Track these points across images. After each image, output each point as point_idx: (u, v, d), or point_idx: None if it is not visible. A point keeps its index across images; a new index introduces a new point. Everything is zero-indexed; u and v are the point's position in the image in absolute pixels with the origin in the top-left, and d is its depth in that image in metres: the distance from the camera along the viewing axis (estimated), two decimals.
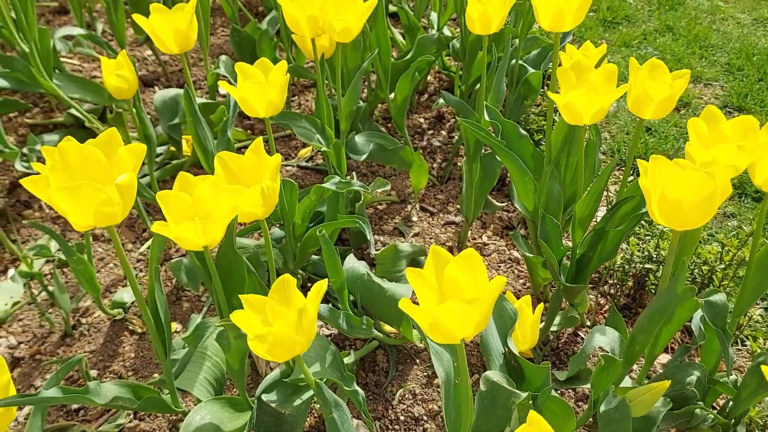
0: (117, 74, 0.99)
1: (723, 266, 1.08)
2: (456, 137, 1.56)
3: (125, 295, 1.14)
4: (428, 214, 1.35)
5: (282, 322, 0.61)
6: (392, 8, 1.76)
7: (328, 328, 1.12)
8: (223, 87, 0.88)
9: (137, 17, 0.98)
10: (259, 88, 0.87)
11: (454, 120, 1.63)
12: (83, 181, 0.60)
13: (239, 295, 0.65)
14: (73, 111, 1.46)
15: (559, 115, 0.99)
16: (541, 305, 0.97)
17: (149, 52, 1.85)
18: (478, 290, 0.56)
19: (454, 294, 0.57)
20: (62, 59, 1.75)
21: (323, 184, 0.99)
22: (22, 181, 0.63)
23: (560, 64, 0.96)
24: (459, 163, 1.48)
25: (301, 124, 1.19)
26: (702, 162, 0.72)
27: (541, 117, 1.45)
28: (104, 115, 1.54)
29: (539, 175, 1.06)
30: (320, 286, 0.64)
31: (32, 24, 1.29)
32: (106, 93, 1.49)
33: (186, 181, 0.71)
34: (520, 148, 1.06)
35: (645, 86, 0.86)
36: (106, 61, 1.00)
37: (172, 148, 1.44)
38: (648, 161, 0.66)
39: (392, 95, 1.36)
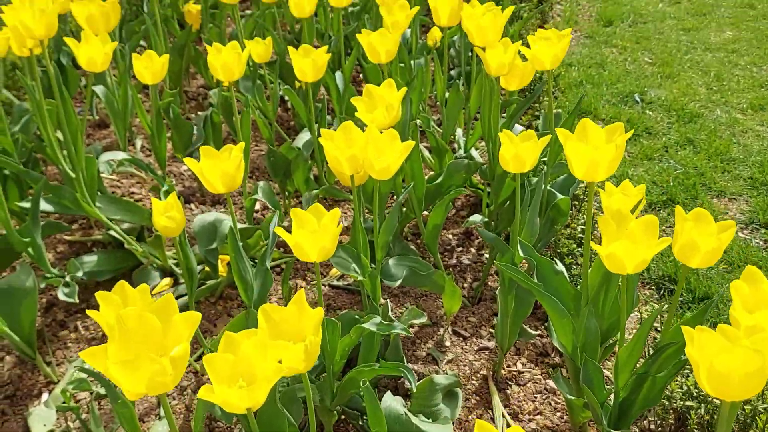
0: (167, 216, 1.02)
1: (766, 406, 1.06)
2: (486, 255, 1.58)
3: (160, 428, 1.14)
4: (461, 338, 1.35)
5: None
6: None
7: None
8: (279, 233, 0.91)
9: (189, 161, 1.02)
10: (313, 236, 0.90)
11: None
12: (141, 354, 0.62)
13: None
14: (112, 232, 1.50)
15: (597, 255, 1.00)
16: None
17: (185, 167, 1.91)
18: None
19: None
20: (102, 175, 1.81)
21: (364, 325, 1.00)
22: (81, 355, 0.64)
23: (591, 195, 0.98)
24: (490, 283, 1.49)
25: (338, 254, 1.21)
26: (747, 327, 0.72)
27: (571, 240, 1.47)
28: (142, 233, 1.58)
29: (576, 309, 1.06)
30: None
31: (81, 154, 1.35)
32: (145, 213, 1.53)
33: (231, 341, 0.72)
34: (556, 284, 1.06)
35: (692, 236, 0.87)
36: (156, 202, 1.04)
37: (207, 269, 1.47)
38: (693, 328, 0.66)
39: (424, 213, 1.39)
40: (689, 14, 3.07)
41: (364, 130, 1.10)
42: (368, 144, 1.08)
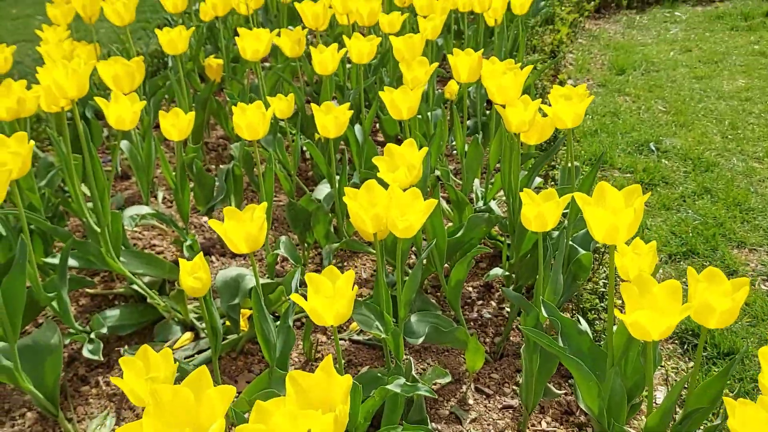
0: (194, 277, 1.04)
1: None
2: (507, 308, 1.58)
3: None
4: (484, 396, 1.34)
5: None
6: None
7: None
8: (296, 300, 0.92)
9: (213, 223, 1.04)
10: (329, 301, 0.91)
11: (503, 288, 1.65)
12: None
13: None
14: (134, 286, 1.51)
15: (620, 321, 1.00)
16: None
17: (206, 218, 1.93)
18: None
19: None
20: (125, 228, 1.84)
21: (388, 386, 1.00)
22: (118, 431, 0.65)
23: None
24: (512, 338, 1.49)
25: (361, 311, 1.21)
26: None
27: (594, 295, 1.47)
28: (164, 286, 1.59)
29: (600, 369, 1.06)
30: None
31: (107, 211, 1.37)
32: (166, 266, 1.55)
33: (262, 411, 0.72)
34: (580, 344, 1.06)
35: (706, 298, 0.87)
36: (184, 264, 1.05)
37: (228, 323, 1.47)
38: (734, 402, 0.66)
39: (445, 265, 1.39)
40: (701, 62, 3.10)
41: (386, 187, 1.12)
42: (391, 203, 1.09)
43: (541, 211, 1.10)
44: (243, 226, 1.04)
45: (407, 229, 1.10)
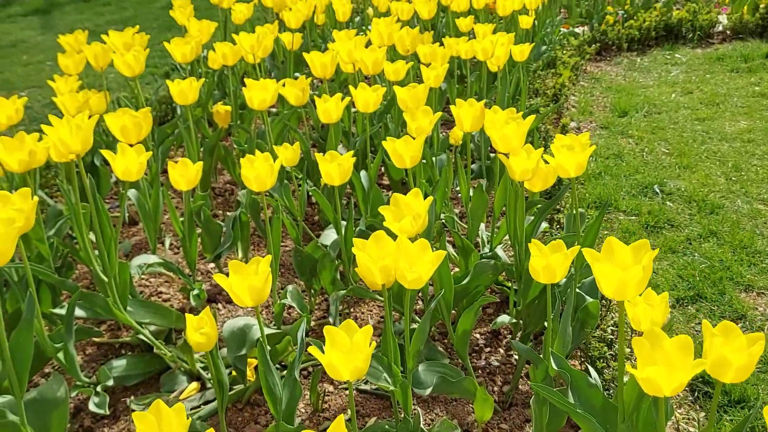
0: (201, 332, 1.04)
1: None
2: (515, 356, 1.57)
3: None
4: None
5: None
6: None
7: None
8: (313, 353, 0.92)
9: (218, 277, 1.04)
10: (346, 356, 0.90)
11: (510, 335, 1.64)
12: None
13: None
14: (141, 335, 1.51)
15: (631, 375, 0.99)
16: None
17: (212, 264, 1.94)
18: None
19: None
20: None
21: None
22: None
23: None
24: (521, 386, 1.47)
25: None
26: None
27: (602, 343, 1.46)
28: (170, 335, 1.59)
29: (611, 422, 1.04)
30: None
31: (114, 262, 1.38)
32: (173, 315, 1.55)
33: None
34: (590, 397, 1.05)
35: (722, 353, 0.87)
36: (191, 319, 1.05)
37: (235, 373, 1.46)
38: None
39: (452, 311, 1.39)
40: (702, 104, 3.13)
41: (393, 236, 1.13)
42: (399, 254, 1.10)
43: (549, 263, 1.10)
44: (247, 280, 1.05)
45: (416, 281, 1.10)
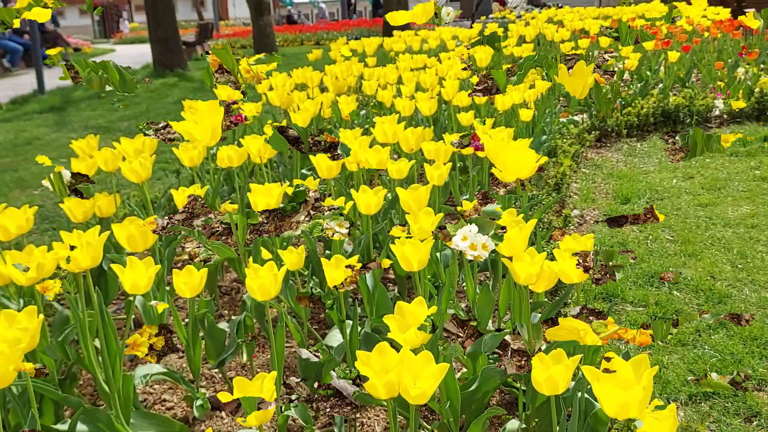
0: None
1: None
2: None
3: None
4: None
5: None
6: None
7: None
8: None
9: (223, 395, 1.03)
10: None
11: None
12: None
13: None
14: None
15: None
16: None
17: (216, 369, 1.92)
18: None
19: None
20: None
21: None
22: None
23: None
24: None
25: None
26: None
27: None
28: None
29: None
30: None
31: (118, 377, 1.38)
32: (176, 426, 1.53)
33: None
34: None
35: None
36: None
37: None
38: None
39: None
40: (704, 189, 3.17)
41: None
42: (403, 366, 1.09)
43: (551, 374, 1.09)
44: (252, 404, 1.04)
45: (420, 396, 1.09)
